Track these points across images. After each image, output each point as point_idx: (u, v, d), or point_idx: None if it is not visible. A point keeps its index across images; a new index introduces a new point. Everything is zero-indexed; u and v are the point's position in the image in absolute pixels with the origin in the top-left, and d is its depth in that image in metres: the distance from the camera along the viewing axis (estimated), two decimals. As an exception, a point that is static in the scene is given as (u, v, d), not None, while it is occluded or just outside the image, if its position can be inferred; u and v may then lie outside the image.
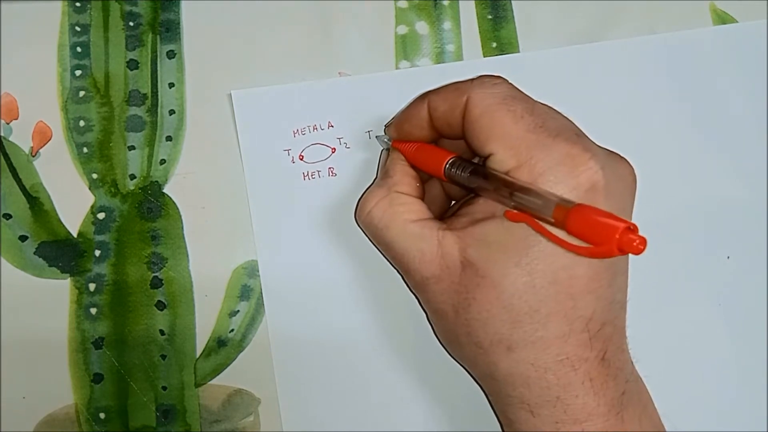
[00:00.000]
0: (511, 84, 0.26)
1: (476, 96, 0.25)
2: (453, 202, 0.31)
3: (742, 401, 0.32)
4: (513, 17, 0.35)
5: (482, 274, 0.24)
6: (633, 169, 0.26)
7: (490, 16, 0.35)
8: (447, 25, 0.35)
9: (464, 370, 0.28)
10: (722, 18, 0.35)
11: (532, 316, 0.24)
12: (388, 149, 0.31)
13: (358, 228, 0.32)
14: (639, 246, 0.20)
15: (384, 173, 0.29)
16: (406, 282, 0.29)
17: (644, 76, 0.34)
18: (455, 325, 0.26)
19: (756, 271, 0.33)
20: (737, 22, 0.35)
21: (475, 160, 0.28)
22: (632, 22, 0.35)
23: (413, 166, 0.29)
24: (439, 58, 0.34)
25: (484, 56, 0.35)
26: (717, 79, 0.34)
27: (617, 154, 0.25)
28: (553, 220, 0.22)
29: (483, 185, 0.25)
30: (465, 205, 0.27)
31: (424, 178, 0.29)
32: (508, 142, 0.24)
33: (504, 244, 0.24)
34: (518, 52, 0.35)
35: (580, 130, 0.25)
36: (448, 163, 0.27)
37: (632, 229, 0.21)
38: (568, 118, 0.26)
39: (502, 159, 0.24)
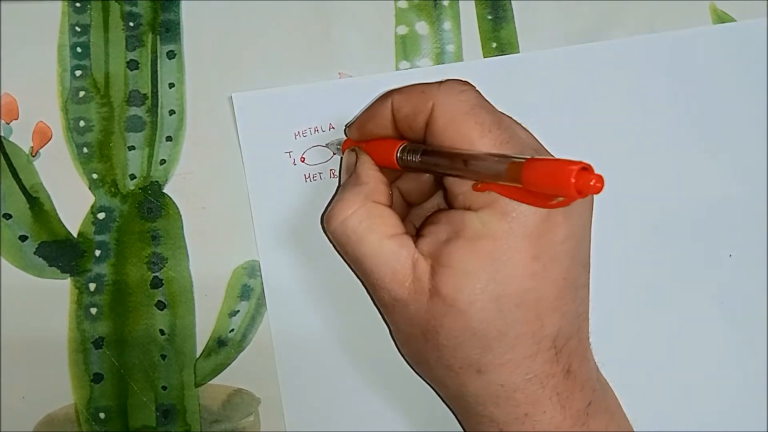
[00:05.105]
0: (478, 91, 0.25)
1: (443, 103, 0.24)
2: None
3: (742, 401, 0.32)
4: (513, 17, 0.35)
5: (450, 303, 0.24)
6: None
7: (490, 17, 0.35)
8: (447, 25, 0.35)
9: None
10: (722, 18, 0.35)
11: (500, 340, 0.23)
12: (354, 150, 0.29)
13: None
14: (597, 185, 0.19)
15: (355, 179, 0.27)
16: (371, 297, 0.28)
17: (644, 76, 0.34)
18: (425, 349, 0.25)
19: (757, 270, 0.33)
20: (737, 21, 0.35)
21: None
22: (632, 22, 0.35)
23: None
24: (439, 58, 0.34)
25: (484, 56, 0.35)
26: (717, 79, 0.34)
27: None
28: (513, 183, 0.22)
29: (437, 162, 0.24)
30: (428, 224, 0.26)
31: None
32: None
33: (469, 270, 0.23)
34: (518, 52, 0.35)
35: (541, 146, 0.25)
36: (399, 149, 0.26)
37: (587, 168, 0.20)
38: (529, 132, 0.26)
39: None
